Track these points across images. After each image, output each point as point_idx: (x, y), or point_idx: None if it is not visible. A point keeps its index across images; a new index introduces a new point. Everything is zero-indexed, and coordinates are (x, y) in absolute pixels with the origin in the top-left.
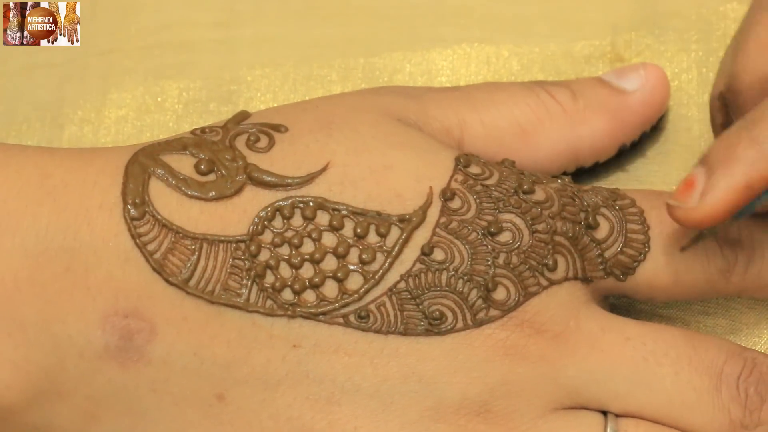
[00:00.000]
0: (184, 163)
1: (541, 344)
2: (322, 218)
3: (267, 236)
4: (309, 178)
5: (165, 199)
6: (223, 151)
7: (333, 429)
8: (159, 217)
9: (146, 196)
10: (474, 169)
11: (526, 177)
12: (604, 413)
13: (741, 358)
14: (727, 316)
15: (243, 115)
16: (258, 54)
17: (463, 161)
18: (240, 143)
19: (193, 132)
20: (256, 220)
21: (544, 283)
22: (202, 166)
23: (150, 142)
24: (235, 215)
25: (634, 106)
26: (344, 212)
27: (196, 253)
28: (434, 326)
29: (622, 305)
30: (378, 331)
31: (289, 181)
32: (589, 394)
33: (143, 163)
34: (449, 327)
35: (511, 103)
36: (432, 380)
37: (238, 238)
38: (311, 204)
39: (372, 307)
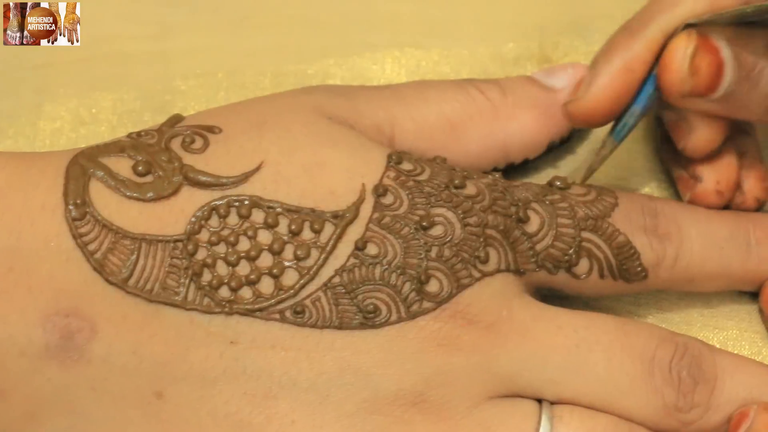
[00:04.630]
0: (122, 165)
1: (474, 334)
2: (257, 216)
3: (204, 235)
4: (243, 178)
5: (105, 200)
6: (160, 153)
7: (271, 423)
8: (99, 217)
9: (87, 197)
10: (406, 166)
11: (457, 172)
12: (540, 401)
13: (672, 343)
14: (658, 306)
15: (177, 119)
16: (191, 64)
17: (395, 158)
18: (175, 145)
19: (129, 136)
20: (192, 219)
21: (477, 275)
22: (140, 168)
23: (88, 146)
24: (172, 215)
25: (562, 103)
26: (279, 210)
27: (136, 253)
28: (369, 319)
29: (556, 294)
30: (314, 326)
31: (224, 180)
32: (523, 382)
33: (83, 165)
34: (383, 320)
35: (440, 99)
36: (367, 373)
37: (176, 237)
38: (246, 202)
39: (307, 302)
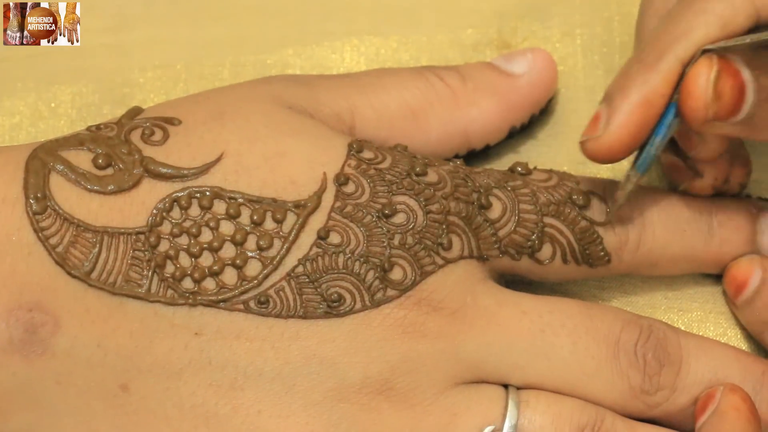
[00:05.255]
0: (82, 158)
1: (439, 321)
2: (219, 207)
3: (166, 227)
4: (204, 169)
5: (66, 194)
6: (119, 146)
7: (237, 414)
8: (60, 211)
9: (47, 191)
10: (367, 154)
11: (419, 160)
12: (506, 386)
13: (637, 326)
14: (622, 290)
15: (136, 111)
16: (149, 56)
17: (355, 146)
18: (135, 137)
19: (88, 129)
20: (154, 211)
21: (440, 261)
22: (100, 161)
23: (48, 140)
24: (134, 207)
25: (522, 89)
26: (240, 200)
27: (98, 246)
28: (333, 308)
29: (520, 280)
30: (278, 316)
31: (185, 172)
32: (489, 368)
33: (43, 159)
34: (348, 308)
35: (400, 86)
36: (333, 361)
37: (138, 229)
38: (207, 193)
39: (271, 292)
